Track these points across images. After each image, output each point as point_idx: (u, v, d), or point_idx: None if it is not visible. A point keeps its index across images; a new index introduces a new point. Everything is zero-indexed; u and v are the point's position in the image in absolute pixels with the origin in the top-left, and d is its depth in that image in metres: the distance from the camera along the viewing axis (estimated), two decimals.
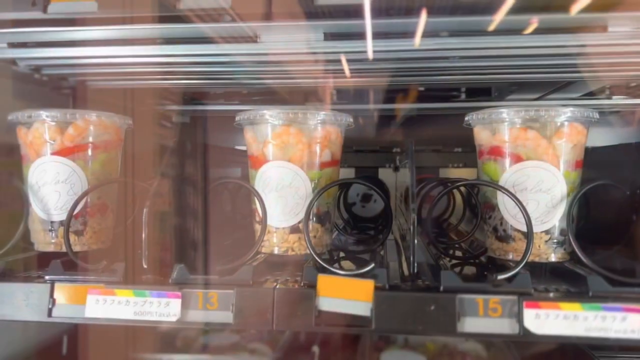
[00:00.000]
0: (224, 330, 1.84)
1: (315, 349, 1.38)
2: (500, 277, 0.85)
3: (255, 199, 1.02)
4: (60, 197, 1.04)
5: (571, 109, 0.94)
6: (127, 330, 1.53)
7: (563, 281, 0.95)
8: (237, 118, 1.05)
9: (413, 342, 1.74)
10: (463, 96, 1.82)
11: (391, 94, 1.75)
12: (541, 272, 1.02)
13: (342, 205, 1.88)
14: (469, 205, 1.61)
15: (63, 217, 1.03)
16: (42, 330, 1.48)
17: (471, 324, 0.84)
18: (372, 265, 0.89)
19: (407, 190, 1.95)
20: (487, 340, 1.73)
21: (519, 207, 0.91)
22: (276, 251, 1.04)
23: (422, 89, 1.74)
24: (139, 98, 1.62)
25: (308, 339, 1.71)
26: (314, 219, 1.04)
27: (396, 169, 2.02)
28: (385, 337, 1.79)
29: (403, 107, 1.85)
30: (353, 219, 1.93)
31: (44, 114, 1.02)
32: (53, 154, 1.03)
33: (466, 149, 1.99)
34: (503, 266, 0.98)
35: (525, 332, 0.82)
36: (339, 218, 1.71)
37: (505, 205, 0.98)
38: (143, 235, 0.92)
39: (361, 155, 2.06)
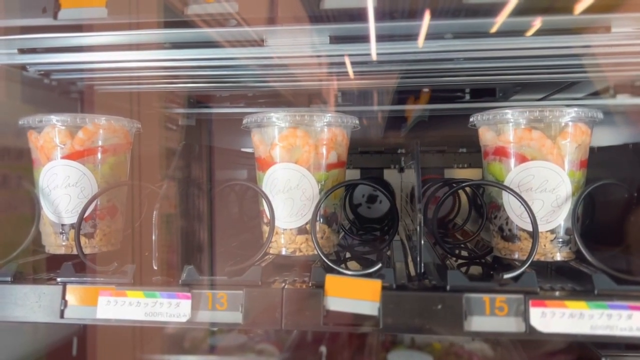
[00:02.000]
0: (232, 331, 1.85)
1: (323, 349, 1.39)
2: (507, 276, 0.86)
3: (263, 200, 1.03)
4: (70, 200, 1.05)
5: (575, 109, 0.95)
6: (136, 332, 1.54)
7: (569, 280, 0.96)
8: (244, 121, 1.07)
9: (420, 341, 1.75)
10: (468, 97, 1.83)
11: (396, 96, 1.76)
12: (547, 271, 1.03)
13: (347, 206, 1.89)
14: (474, 205, 1.62)
15: (74, 220, 1.05)
16: (52, 332, 1.50)
17: (478, 323, 0.85)
18: (380, 265, 0.90)
19: (412, 190, 1.97)
20: (493, 339, 1.73)
21: (524, 206, 0.92)
22: (284, 252, 1.05)
23: (426, 90, 1.76)
24: (145, 101, 1.63)
25: (315, 339, 1.72)
26: (321, 220, 1.05)
27: (401, 169, 2.03)
28: (392, 336, 1.80)
29: (408, 108, 1.86)
30: (359, 220, 1.94)
31: (54, 118, 1.04)
32: (63, 157, 1.04)
33: (471, 150, 2.00)
34: (509, 265, 0.99)
35: (531, 330, 0.83)
36: (345, 219, 1.72)
37: (511, 205, 0.98)
38: (153, 237, 0.93)
39: (366, 157, 2.07)
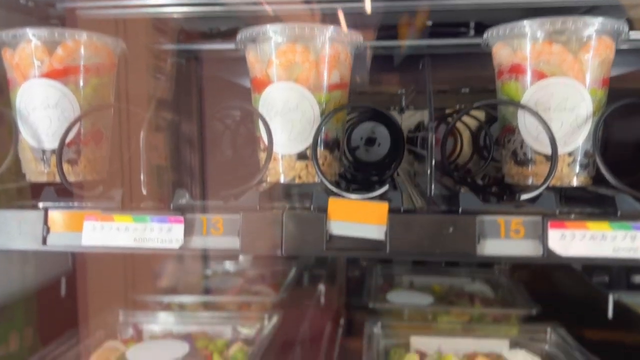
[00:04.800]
0: (227, 275, 1.81)
1: (321, 287, 1.35)
2: (524, 197, 0.80)
3: (260, 124, 0.95)
4: (51, 123, 0.97)
5: (600, 20, 0.87)
6: (127, 274, 1.50)
7: (587, 205, 0.90)
8: (238, 37, 0.98)
9: (418, 284, 1.72)
10: (472, 33, 1.74)
11: (394, 30, 1.66)
12: (563, 197, 0.97)
13: (345, 149, 1.83)
14: (476, 147, 1.57)
15: (55, 144, 0.96)
16: (39, 271, 1.45)
17: (492, 246, 0.79)
18: (386, 187, 0.83)
19: (416, 127, 1.90)
20: (494, 281, 1.71)
21: (542, 125, 0.85)
22: (282, 179, 0.98)
23: (429, 23, 1.66)
24: (132, 34, 1.53)
25: (312, 280, 1.68)
26: (323, 145, 0.98)
27: (401, 110, 1.96)
28: (390, 279, 1.77)
29: (408, 44, 1.77)
30: (357, 164, 1.88)
31: (30, 32, 0.95)
32: (42, 76, 0.96)
33: (474, 90, 1.93)
34: (523, 192, 0.93)
35: (549, 253, 0.78)
36: (344, 159, 1.65)
37: (527, 127, 0.92)
38: (141, 159, 0.86)
39: (365, 97, 1.99)
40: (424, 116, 2.11)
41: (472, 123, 1.58)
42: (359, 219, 0.82)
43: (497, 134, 1.06)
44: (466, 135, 1.71)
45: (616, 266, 1.77)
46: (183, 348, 1.14)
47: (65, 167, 0.98)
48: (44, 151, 0.99)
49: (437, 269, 1.85)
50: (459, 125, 1.70)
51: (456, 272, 1.79)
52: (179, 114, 1.13)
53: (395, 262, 1.91)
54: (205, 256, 1.85)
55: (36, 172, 0.99)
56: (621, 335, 1.20)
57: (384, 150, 1.92)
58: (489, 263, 1.83)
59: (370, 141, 1.97)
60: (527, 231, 0.79)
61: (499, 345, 1.22)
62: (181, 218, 0.83)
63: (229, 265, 1.86)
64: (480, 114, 1.98)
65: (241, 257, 1.96)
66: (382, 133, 1.80)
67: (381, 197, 0.85)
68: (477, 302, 1.50)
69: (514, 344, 1.23)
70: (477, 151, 1.60)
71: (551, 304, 1.42)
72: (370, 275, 1.70)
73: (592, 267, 1.75)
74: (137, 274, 1.47)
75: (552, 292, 1.51)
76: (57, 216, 0.87)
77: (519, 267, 1.79)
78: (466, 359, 1.14)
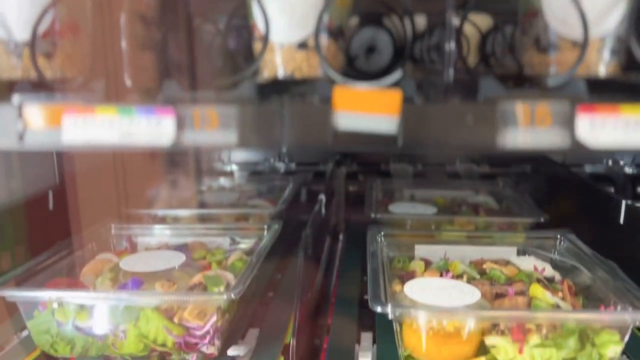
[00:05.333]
0: (223, 190, 1.76)
1: (321, 197, 1.29)
2: (551, 81, 0.73)
3: (253, 6, 0.85)
4: (20, 11, 0.87)
5: None
6: (118, 186, 1.43)
7: (618, 93, 0.83)
8: None
9: (420, 197, 1.68)
10: None
11: None
12: (591, 87, 0.90)
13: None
14: (482, 55, 1.48)
15: (27, 35, 0.86)
16: (26, 188, 1.38)
17: (514, 136, 0.72)
18: (399, 73, 0.75)
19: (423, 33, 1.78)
20: (498, 193, 1.66)
21: (572, 2, 0.76)
22: (281, 73, 0.89)
23: None
24: None
25: (311, 195, 1.63)
26: (326, 33, 0.88)
27: (405, 12, 1.83)
28: (390, 194, 1.72)
29: None
30: (356, 75, 1.78)
31: None
32: None
33: None
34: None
35: (577, 143, 0.71)
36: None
37: (552, 8, 0.82)
38: (122, 45, 0.76)
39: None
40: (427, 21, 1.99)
41: (484, 24, 1.48)
42: (368, 109, 0.74)
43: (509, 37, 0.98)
44: (474, 41, 1.61)
45: (622, 177, 1.73)
46: (179, 258, 1.09)
47: (41, 61, 0.88)
48: (15, 44, 0.89)
49: (438, 182, 1.81)
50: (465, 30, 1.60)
51: (458, 185, 1.74)
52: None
53: (395, 175, 1.86)
54: (199, 172, 1.79)
55: (8, 66, 0.90)
56: (633, 242, 1.17)
57: (384, 58, 1.82)
58: (492, 175, 1.78)
59: (370, 50, 1.86)
60: (554, 119, 0.71)
61: (507, 252, 1.18)
62: (171, 109, 0.75)
63: (224, 181, 1.80)
64: (487, 20, 1.86)
65: (236, 174, 1.90)
66: (383, 39, 1.69)
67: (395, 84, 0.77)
68: (482, 212, 1.46)
69: (522, 252, 1.19)
70: (483, 60, 1.51)
71: (558, 214, 1.38)
72: (370, 190, 1.65)
73: (597, 178, 1.71)
74: (128, 188, 1.41)
75: (559, 203, 1.47)
76: (34, 111, 0.78)
77: (523, 178, 1.74)
78: (473, 265, 1.10)
